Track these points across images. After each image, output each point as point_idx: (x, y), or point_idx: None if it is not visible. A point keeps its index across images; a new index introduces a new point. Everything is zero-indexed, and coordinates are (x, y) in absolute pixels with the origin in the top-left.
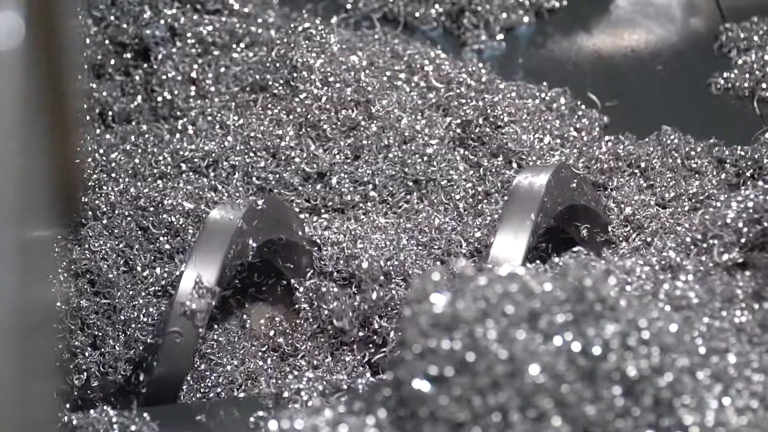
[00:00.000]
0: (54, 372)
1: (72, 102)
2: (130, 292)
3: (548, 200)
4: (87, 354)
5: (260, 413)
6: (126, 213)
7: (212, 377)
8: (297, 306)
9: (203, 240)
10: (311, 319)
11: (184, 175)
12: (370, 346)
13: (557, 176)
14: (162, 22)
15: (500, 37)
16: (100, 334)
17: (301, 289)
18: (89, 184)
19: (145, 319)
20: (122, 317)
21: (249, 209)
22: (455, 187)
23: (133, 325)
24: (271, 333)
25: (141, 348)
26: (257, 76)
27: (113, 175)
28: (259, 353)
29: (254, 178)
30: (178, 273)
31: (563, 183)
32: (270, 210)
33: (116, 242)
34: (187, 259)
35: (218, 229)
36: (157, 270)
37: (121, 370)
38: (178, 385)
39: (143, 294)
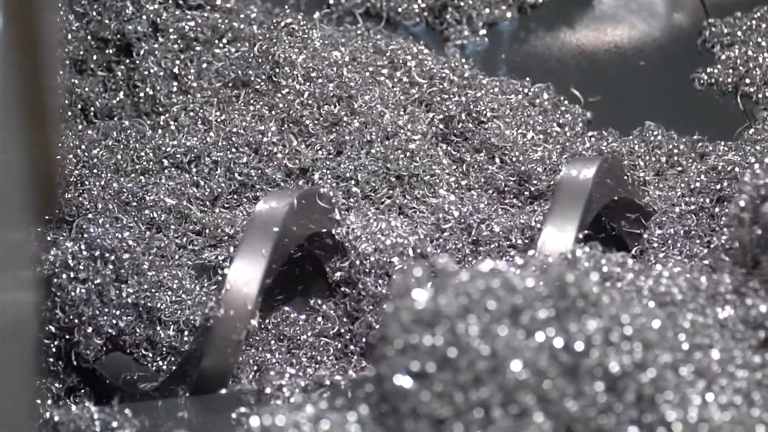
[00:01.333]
0: (33, 369)
1: (52, 98)
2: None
3: (595, 193)
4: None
5: (242, 409)
6: (108, 208)
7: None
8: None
9: (251, 231)
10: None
11: (166, 171)
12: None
13: (603, 168)
14: (144, 17)
15: (483, 32)
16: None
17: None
18: (70, 180)
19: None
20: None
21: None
22: (438, 182)
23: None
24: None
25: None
26: (239, 72)
27: (95, 171)
28: (269, 345)
29: (236, 174)
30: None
31: (609, 175)
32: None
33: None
34: (237, 250)
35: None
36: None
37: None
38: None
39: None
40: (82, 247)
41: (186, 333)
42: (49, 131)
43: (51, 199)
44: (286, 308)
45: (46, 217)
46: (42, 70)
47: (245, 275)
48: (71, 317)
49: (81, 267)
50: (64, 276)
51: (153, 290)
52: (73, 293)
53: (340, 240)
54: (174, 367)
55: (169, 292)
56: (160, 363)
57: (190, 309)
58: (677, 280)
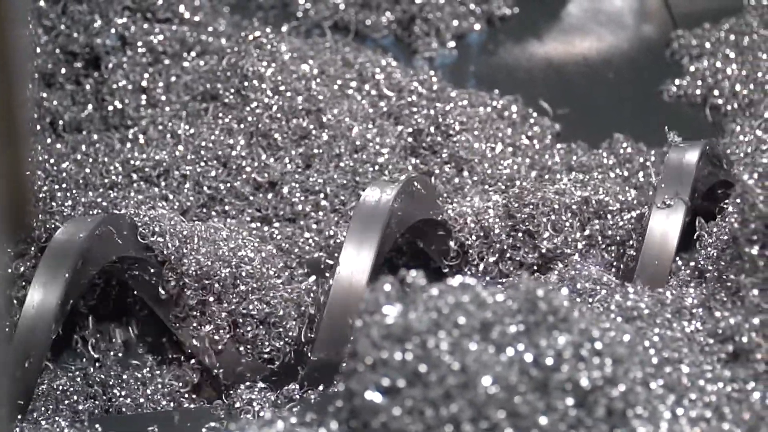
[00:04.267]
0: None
1: (22, 112)
2: None
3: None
4: None
5: (212, 424)
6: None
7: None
8: None
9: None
10: None
11: (135, 185)
12: None
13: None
14: (113, 31)
15: (451, 44)
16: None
17: None
18: (40, 195)
19: None
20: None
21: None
22: None
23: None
24: None
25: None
26: (208, 85)
27: (64, 185)
28: None
29: (205, 188)
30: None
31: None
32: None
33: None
34: (345, 239)
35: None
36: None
37: None
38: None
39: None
40: None
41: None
42: (20, 146)
43: (23, 217)
44: None
45: (18, 236)
46: (12, 84)
47: (355, 263)
48: None
49: None
50: None
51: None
52: None
53: (448, 224)
54: (285, 360)
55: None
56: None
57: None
58: (643, 295)
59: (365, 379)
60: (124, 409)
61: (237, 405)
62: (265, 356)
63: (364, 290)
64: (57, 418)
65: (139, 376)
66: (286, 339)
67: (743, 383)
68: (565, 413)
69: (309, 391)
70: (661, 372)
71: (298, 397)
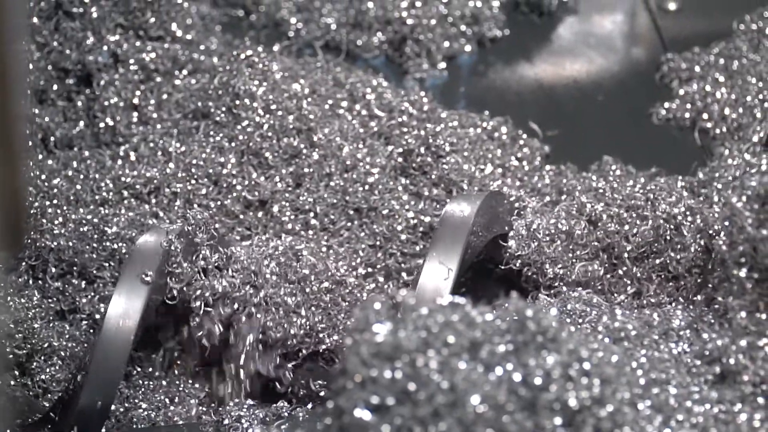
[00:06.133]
0: None
1: (16, 128)
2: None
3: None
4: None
5: None
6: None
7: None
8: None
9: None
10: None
11: (125, 202)
12: None
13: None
14: (105, 48)
15: (442, 65)
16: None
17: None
18: (31, 211)
19: None
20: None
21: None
22: (397, 217)
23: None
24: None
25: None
26: (199, 103)
27: (55, 201)
28: None
29: (196, 205)
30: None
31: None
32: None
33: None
34: (429, 251)
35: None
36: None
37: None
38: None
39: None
40: None
41: None
42: (14, 162)
43: (16, 233)
44: None
45: (11, 252)
46: (7, 100)
47: (437, 277)
48: None
49: None
50: None
51: None
52: None
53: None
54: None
55: None
56: None
57: None
58: (631, 316)
59: (354, 396)
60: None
61: (226, 422)
62: None
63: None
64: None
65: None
66: None
67: (730, 405)
68: None
69: (297, 409)
70: (648, 393)
71: (286, 414)
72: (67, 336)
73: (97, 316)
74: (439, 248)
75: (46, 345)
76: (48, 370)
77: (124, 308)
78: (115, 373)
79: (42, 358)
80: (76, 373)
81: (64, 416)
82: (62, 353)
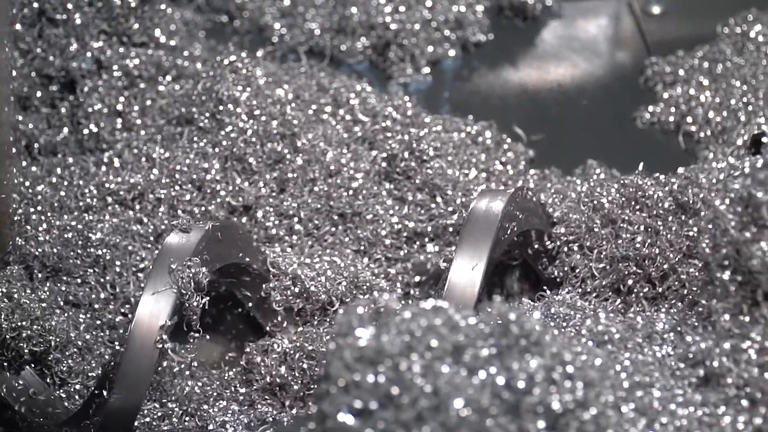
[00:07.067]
0: None
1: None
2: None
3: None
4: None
5: None
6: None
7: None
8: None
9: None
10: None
11: (109, 208)
12: None
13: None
14: (88, 54)
15: (426, 70)
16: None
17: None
18: (15, 218)
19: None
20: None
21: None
22: (381, 221)
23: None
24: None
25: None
26: (183, 109)
27: (39, 208)
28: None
29: (180, 211)
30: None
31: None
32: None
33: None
34: (457, 249)
35: None
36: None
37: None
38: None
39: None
40: None
41: None
42: None
43: (1, 240)
44: None
45: None
46: None
47: (465, 275)
48: None
49: None
50: None
51: None
52: None
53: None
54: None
55: None
56: None
57: None
58: (614, 320)
59: (338, 401)
60: None
61: (210, 427)
62: None
63: (474, 300)
64: None
65: None
66: None
67: (714, 407)
68: None
69: (282, 414)
70: (632, 396)
71: (271, 419)
72: (83, 326)
73: (97, 306)
74: (467, 244)
75: (63, 337)
76: (66, 362)
77: (153, 308)
78: (145, 373)
79: (58, 349)
80: (106, 372)
81: (96, 414)
82: (79, 343)
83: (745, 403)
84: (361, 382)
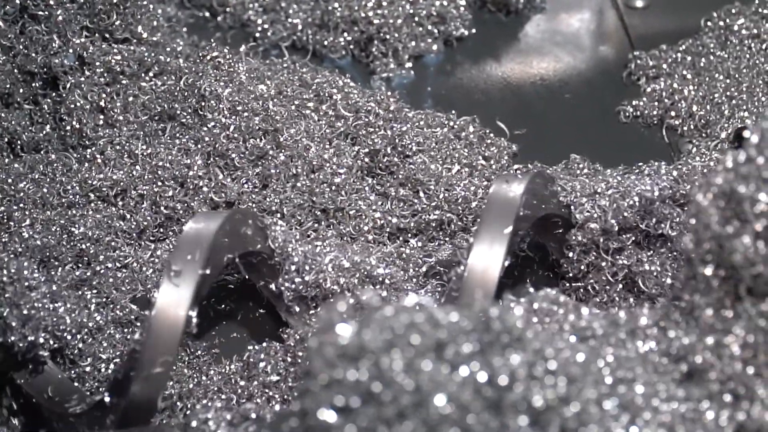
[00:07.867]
0: None
1: None
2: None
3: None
4: None
5: None
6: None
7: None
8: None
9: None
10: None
11: (92, 204)
12: None
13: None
14: (70, 51)
15: (409, 65)
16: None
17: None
18: None
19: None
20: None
21: None
22: (363, 217)
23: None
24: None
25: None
26: (166, 105)
27: (21, 204)
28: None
29: (162, 208)
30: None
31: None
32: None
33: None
34: (476, 234)
35: None
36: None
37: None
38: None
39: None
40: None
41: None
42: None
43: None
44: None
45: None
46: None
47: (485, 260)
48: None
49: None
50: None
51: None
52: None
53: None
54: None
55: None
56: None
57: None
58: (597, 315)
59: (319, 398)
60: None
61: (194, 424)
62: None
63: (495, 284)
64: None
65: None
66: None
67: (697, 403)
68: None
69: (264, 411)
70: (615, 391)
71: (253, 416)
72: (94, 311)
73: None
74: (487, 230)
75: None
76: (79, 345)
77: (175, 297)
78: (166, 364)
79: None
80: (126, 363)
81: (117, 403)
82: (90, 324)
83: (728, 398)
84: (342, 379)
